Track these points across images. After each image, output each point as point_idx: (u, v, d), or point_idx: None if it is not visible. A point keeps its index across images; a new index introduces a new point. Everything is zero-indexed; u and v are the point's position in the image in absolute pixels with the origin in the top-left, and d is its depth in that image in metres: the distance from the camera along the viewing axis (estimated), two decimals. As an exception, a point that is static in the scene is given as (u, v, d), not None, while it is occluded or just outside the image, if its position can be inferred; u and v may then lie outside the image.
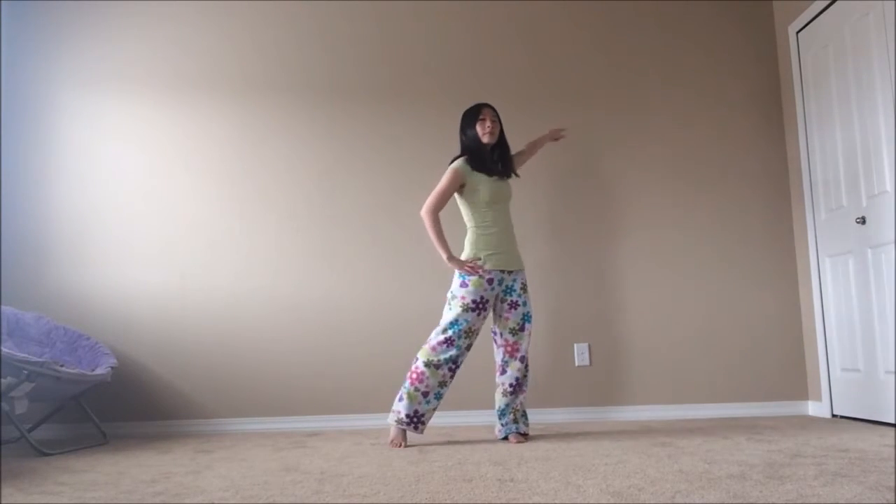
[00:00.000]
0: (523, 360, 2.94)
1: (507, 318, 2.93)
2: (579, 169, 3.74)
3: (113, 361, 3.35)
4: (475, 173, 2.91)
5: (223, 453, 2.80)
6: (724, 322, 3.65)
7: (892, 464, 2.12)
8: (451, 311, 2.87)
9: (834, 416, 3.41)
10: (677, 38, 3.83)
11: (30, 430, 3.08)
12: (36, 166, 3.75)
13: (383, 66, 3.82)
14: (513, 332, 2.92)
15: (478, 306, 2.85)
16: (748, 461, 2.22)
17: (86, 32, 3.83)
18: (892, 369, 2.98)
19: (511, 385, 2.93)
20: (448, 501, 1.79)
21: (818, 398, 3.52)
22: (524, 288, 2.97)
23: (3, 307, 3.40)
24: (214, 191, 3.74)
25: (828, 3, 3.34)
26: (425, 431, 2.95)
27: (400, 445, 2.81)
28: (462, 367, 3.38)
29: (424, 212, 2.90)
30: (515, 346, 2.92)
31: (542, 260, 3.68)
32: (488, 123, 2.95)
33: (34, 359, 2.82)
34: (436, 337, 2.85)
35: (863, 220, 3.14)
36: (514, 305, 2.92)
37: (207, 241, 3.71)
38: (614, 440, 2.81)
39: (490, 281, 2.87)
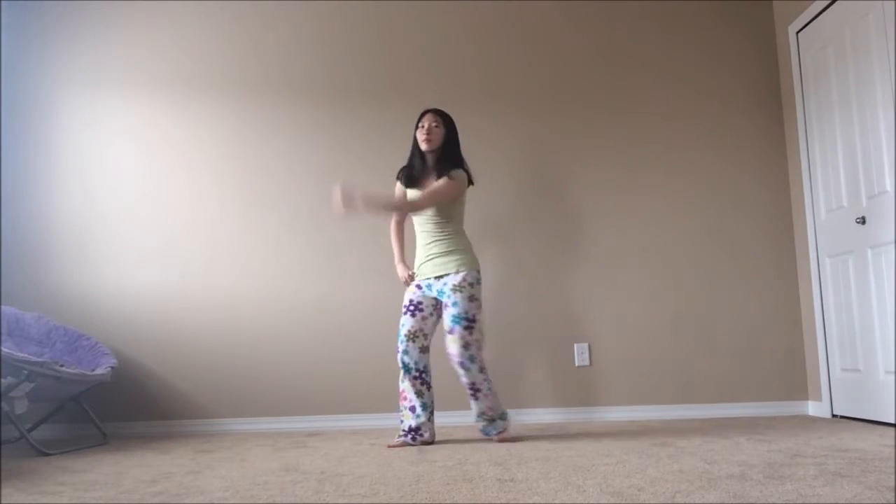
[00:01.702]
0: (463, 365, 2.82)
1: (444, 321, 2.92)
2: (578, 169, 3.74)
3: (113, 361, 3.35)
4: (405, 188, 3.04)
5: (223, 453, 2.80)
6: (723, 322, 3.65)
7: (892, 464, 2.12)
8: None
9: (834, 416, 3.41)
10: (677, 38, 3.83)
11: (30, 430, 3.08)
12: (36, 166, 3.75)
13: (383, 67, 3.82)
14: (446, 334, 2.87)
15: (408, 309, 2.95)
16: (748, 461, 2.22)
17: (86, 32, 3.83)
18: (892, 369, 2.98)
19: (468, 389, 2.89)
20: (448, 501, 1.79)
21: (818, 398, 3.52)
22: (457, 288, 2.85)
23: (3, 307, 3.40)
24: (214, 191, 3.74)
25: (828, 3, 3.34)
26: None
27: (392, 447, 2.84)
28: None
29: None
30: (448, 350, 2.86)
31: (541, 260, 3.68)
32: (425, 130, 2.96)
33: (34, 359, 2.83)
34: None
35: (863, 220, 3.14)
36: (445, 307, 2.90)
37: (207, 241, 3.71)
38: (614, 440, 2.81)
39: (418, 286, 2.97)
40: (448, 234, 2.95)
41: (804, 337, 3.64)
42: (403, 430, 2.90)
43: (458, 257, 2.91)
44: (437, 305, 2.97)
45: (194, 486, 2.10)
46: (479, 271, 2.95)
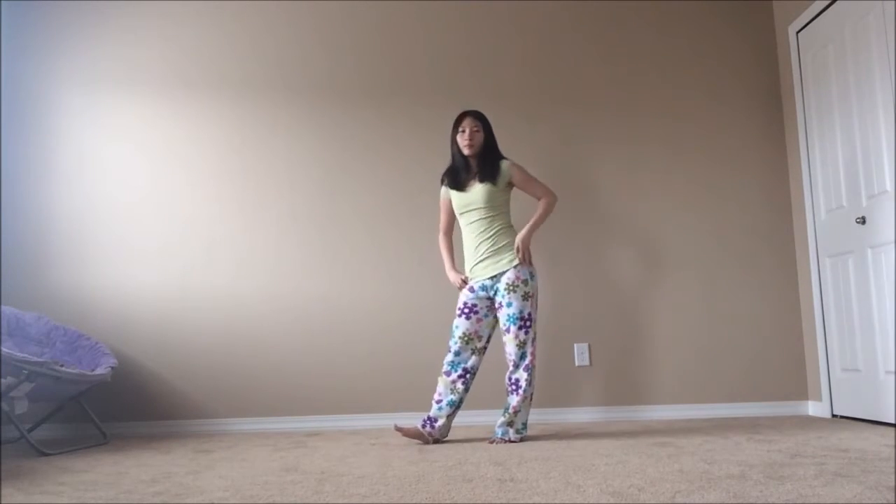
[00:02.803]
0: (515, 364, 2.90)
1: (498, 320, 2.96)
2: (579, 168, 3.74)
3: (113, 361, 3.35)
4: (450, 190, 3.07)
5: (223, 453, 2.80)
6: (724, 322, 3.65)
7: (892, 464, 2.12)
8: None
9: (834, 416, 3.41)
10: (677, 38, 3.83)
11: (30, 430, 3.08)
12: (36, 166, 3.75)
13: (383, 67, 3.82)
14: (503, 333, 2.94)
15: (463, 312, 2.95)
16: (748, 461, 2.22)
17: (86, 32, 3.83)
18: (892, 369, 2.98)
19: (509, 384, 2.94)
20: (448, 501, 1.79)
21: (818, 398, 3.52)
22: (510, 287, 2.90)
23: (3, 307, 3.40)
24: (214, 191, 3.74)
25: (828, 3, 3.34)
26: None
27: (401, 431, 2.91)
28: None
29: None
30: (505, 349, 2.93)
31: (541, 260, 3.68)
32: (467, 135, 2.99)
33: (34, 359, 2.82)
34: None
35: (863, 220, 3.14)
36: (500, 307, 2.93)
37: (207, 241, 3.71)
38: (614, 440, 2.81)
39: (472, 289, 2.98)
40: (497, 230, 2.98)
41: (804, 337, 3.64)
42: (425, 418, 2.95)
43: (509, 254, 2.95)
44: (493, 306, 2.98)
45: (194, 486, 2.10)
46: (531, 264, 2.99)
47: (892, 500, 1.65)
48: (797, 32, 3.62)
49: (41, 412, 3.40)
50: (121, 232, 3.71)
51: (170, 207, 3.73)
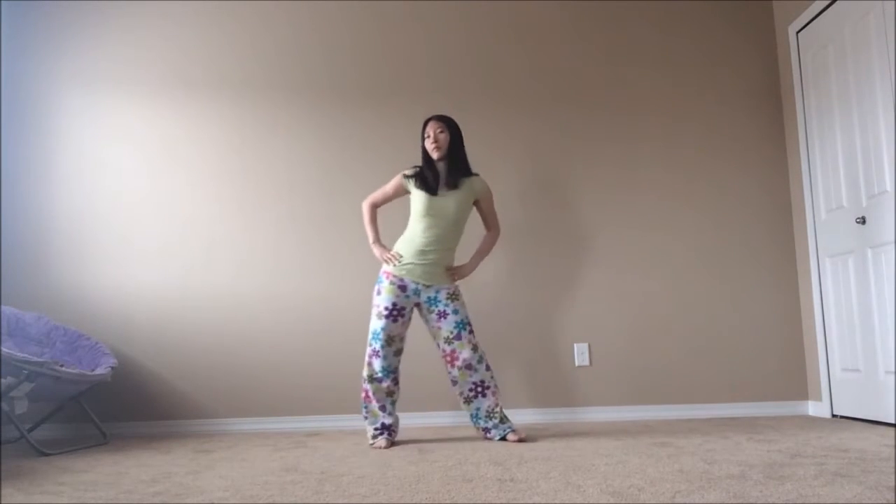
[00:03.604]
0: (470, 367, 2.90)
1: (438, 328, 2.95)
2: (578, 168, 3.74)
3: (113, 361, 3.35)
4: (418, 191, 3.02)
5: (223, 453, 2.80)
6: (723, 322, 3.65)
7: (892, 464, 2.12)
8: (371, 322, 2.96)
9: (834, 416, 3.41)
10: (677, 38, 3.83)
11: (30, 430, 3.08)
12: (36, 166, 3.75)
13: (382, 67, 3.82)
14: (448, 341, 2.93)
15: (391, 313, 2.91)
16: (748, 461, 2.22)
17: (86, 32, 3.83)
18: (892, 369, 2.98)
19: (470, 390, 2.93)
20: (448, 501, 1.79)
21: (818, 398, 3.52)
22: (452, 297, 2.95)
23: (3, 307, 3.40)
24: (214, 191, 3.75)
25: (828, 3, 3.34)
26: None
27: (380, 448, 2.84)
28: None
29: (364, 201, 3.18)
30: (454, 355, 2.92)
31: (541, 260, 3.68)
32: (432, 138, 2.99)
33: (34, 359, 2.82)
34: (367, 350, 2.95)
35: (863, 220, 3.14)
36: (442, 315, 2.93)
37: (207, 241, 3.71)
38: (614, 440, 2.81)
39: (403, 288, 2.93)
40: (451, 246, 3.01)
41: (804, 337, 3.64)
42: (377, 429, 2.92)
43: (448, 272, 3.02)
44: (413, 311, 3.00)
45: (194, 486, 2.10)
46: None
47: (892, 500, 1.65)
48: (797, 32, 3.62)
49: (41, 412, 3.40)
50: (121, 232, 3.71)
51: (170, 207, 3.73)
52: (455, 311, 2.92)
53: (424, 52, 3.82)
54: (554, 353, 3.63)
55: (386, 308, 2.91)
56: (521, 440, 2.85)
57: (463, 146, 3.07)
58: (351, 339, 3.63)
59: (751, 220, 3.71)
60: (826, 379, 3.45)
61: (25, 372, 2.80)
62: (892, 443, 2.53)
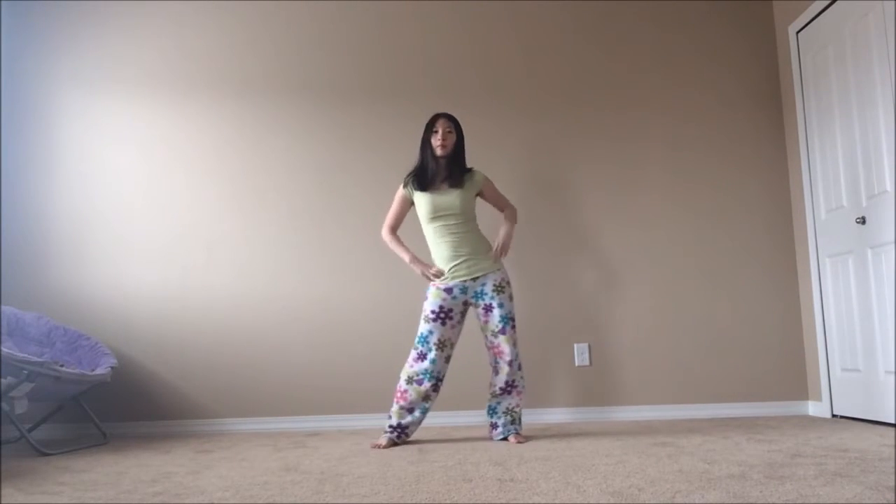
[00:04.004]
0: (511, 363, 2.92)
1: (486, 322, 2.95)
2: (578, 168, 3.74)
3: (113, 361, 3.35)
4: (416, 192, 3.00)
5: (223, 453, 2.80)
6: (724, 322, 3.65)
7: (892, 464, 2.12)
8: (420, 326, 2.94)
9: (834, 416, 3.41)
10: (677, 38, 3.83)
11: (30, 430, 3.08)
12: (36, 166, 3.75)
13: (382, 67, 3.82)
14: (494, 334, 2.93)
15: (438, 316, 2.89)
16: (748, 461, 2.22)
17: (86, 32, 3.83)
18: (892, 369, 2.98)
19: (502, 387, 2.95)
20: (448, 501, 1.79)
21: (818, 398, 3.52)
22: (498, 289, 2.93)
23: (3, 307, 3.40)
24: (214, 191, 3.75)
25: (828, 3, 3.34)
26: (414, 435, 3.03)
27: (378, 447, 2.83)
28: (462, 367, 3.39)
29: (382, 233, 3.13)
30: (500, 349, 2.93)
31: (541, 259, 3.68)
32: (440, 136, 2.97)
33: (34, 359, 2.82)
34: (411, 353, 2.93)
35: (863, 220, 3.14)
36: (488, 309, 2.92)
37: (207, 241, 3.71)
38: (614, 440, 2.81)
39: (448, 290, 2.92)
40: (474, 234, 3.00)
41: (804, 337, 3.64)
42: (391, 427, 2.91)
43: (490, 257, 2.99)
44: (465, 311, 2.98)
45: (194, 486, 2.10)
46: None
47: (892, 500, 1.65)
48: (797, 32, 3.62)
49: (41, 412, 3.40)
50: (121, 232, 3.71)
51: (170, 207, 3.73)
52: (500, 305, 2.91)
53: (424, 52, 3.82)
54: (554, 353, 3.63)
55: (433, 311, 2.90)
56: (520, 442, 2.85)
57: (464, 148, 3.08)
58: (351, 338, 3.63)
59: (751, 220, 3.71)
60: (826, 379, 3.45)
61: (25, 372, 2.80)
62: (892, 443, 2.53)
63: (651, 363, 3.63)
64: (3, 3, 3.81)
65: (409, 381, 2.89)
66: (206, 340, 3.64)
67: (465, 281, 2.92)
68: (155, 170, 3.76)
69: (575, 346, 3.63)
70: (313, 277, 3.68)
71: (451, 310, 2.91)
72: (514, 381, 2.94)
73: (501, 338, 2.91)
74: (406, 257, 3.05)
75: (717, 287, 3.67)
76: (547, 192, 3.73)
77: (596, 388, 3.61)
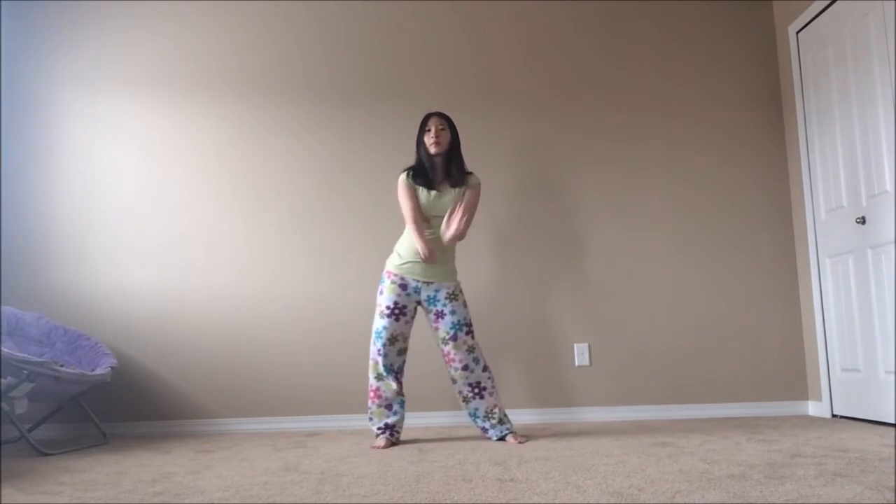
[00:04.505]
0: (466, 368, 2.90)
1: (436, 328, 2.95)
2: (578, 168, 3.74)
3: (113, 361, 3.35)
4: (418, 188, 2.98)
5: (223, 453, 2.80)
6: (724, 322, 3.65)
7: (892, 464, 2.12)
8: (374, 322, 2.96)
9: (834, 416, 3.41)
10: (677, 38, 3.83)
11: (30, 430, 3.08)
12: (36, 166, 3.75)
13: (382, 67, 3.82)
14: (444, 341, 2.93)
15: (392, 312, 2.91)
16: (748, 461, 2.22)
17: (86, 32, 3.83)
18: (892, 369, 2.98)
19: (468, 391, 2.93)
20: (448, 501, 1.79)
21: (818, 398, 3.52)
22: (451, 297, 2.93)
23: (3, 307, 3.40)
24: (214, 191, 3.74)
25: (828, 3, 3.34)
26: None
27: (379, 448, 2.83)
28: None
29: (410, 231, 2.95)
30: (451, 357, 2.92)
31: (540, 260, 3.68)
32: (433, 133, 2.96)
33: (34, 359, 2.82)
34: (371, 349, 2.96)
35: (863, 220, 3.14)
36: (440, 315, 2.93)
37: (207, 241, 3.71)
38: (614, 440, 2.81)
39: (404, 286, 2.92)
40: (451, 244, 2.99)
41: (804, 337, 3.64)
42: (380, 428, 2.92)
43: (453, 268, 3.02)
44: (416, 309, 3.00)
45: (194, 486, 2.10)
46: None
47: (892, 501, 1.65)
48: (797, 32, 3.62)
49: (41, 412, 3.40)
50: (121, 232, 3.71)
51: (170, 207, 3.73)
52: (453, 312, 2.92)
53: (424, 52, 3.82)
54: (554, 353, 3.63)
55: (388, 307, 2.91)
56: (520, 442, 2.84)
57: (460, 146, 3.06)
58: (351, 338, 3.63)
59: (751, 220, 3.71)
60: (826, 379, 3.45)
61: (25, 372, 2.80)
62: (892, 443, 2.53)
63: (651, 363, 3.63)
64: (3, 3, 3.81)
65: (379, 377, 2.94)
66: (206, 340, 3.64)
67: (419, 281, 2.93)
68: (155, 170, 3.76)
69: (575, 346, 3.63)
70: (313, 277, 3.68)
71: (405, 306, 2.93)
72: (478, 382, 2.93)
73: (451, 344, 2.91)
74: (422, 245, 2.90)
75: (717, 287, 3.67)
76: (546, 192, 3.73)
77: (596, 388, 3.61)
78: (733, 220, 3.71)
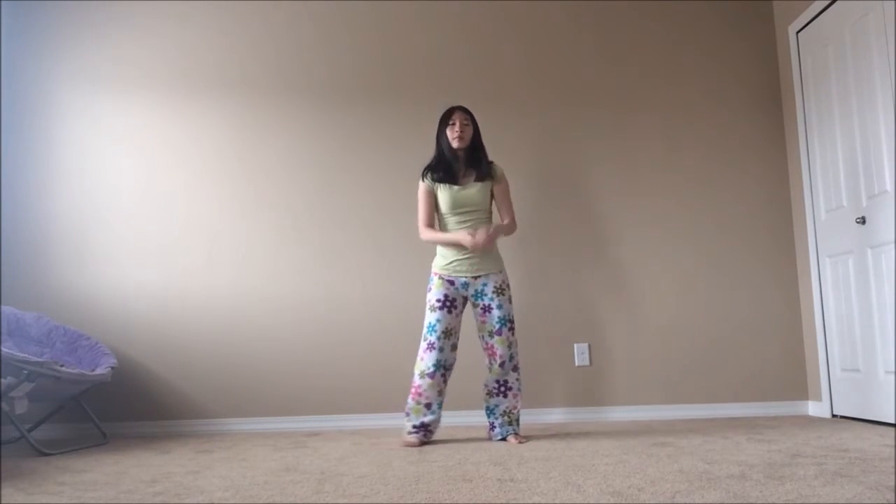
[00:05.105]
0: (504, 365, 2.93)
1: (483, 322, 2.96)
2: (578, 167, 3.74)
3: (113, 361, 3.35)
4: (436, 184, 3.00)
5: (223, 453, 2.80)
6: (724, 322, 3.65)
7: (892, 464, 2.12)
8: (426, 317, 2.96)
9: (834, 416, 3.41)
10: (677, 38, 3.83)
11: (30, 430, 3.08)
12: (36, 166, 3.75)
13: (382, 67, 3.82)
14: (490, 335, 2.95)
15: (444, 304, 2.92)
16: (748, 461, 2.22)
17: (86, 32, 3.83)
18: (892, 369, 2.98)
19: (494, 387, 2.96)
20: (448, 501, 1.79)
21: (818, 398, 3.52)
22: (499, 290, 2.95)
23: (3, 307, 3.40)
24: (213, 191, 3.75)
25: (828, 3, 3.34)
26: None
27: (412, 445, 2.84)
28: (462, 367, 3.39)
29: (420, 235, 3.05)
30: (494, 350, 2.94)
31: (541, 260, 3.68)
32: (457, 128, 2.97)
33: (34, 359, 2.82)
34: (421, 345, 2.94)
35: (863, 220, 3.14)
36: (486, 309, 2.94)
37: (207, 241, 3.71)
38: (614, 440, 2.81)
39: (451, 282, 2.95)
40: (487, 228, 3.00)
41: (804, 337, 3.64)
42: (415, 426, 2.89)
43: (497, 256, 3.01)
44: (465, 304, 3.00)
45: (194, 486, 2.10)
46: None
47: (892, 501, 1.65)
48: (797, 32, 3.62)
49: (41, 412, 3.40)
50: (121, 232, 3.71)
51: (170, 207, 3.73)
52: (500, 307, 2.93)
53: (424, 52, 3.82)
54: (554, 353, 3.63)
55: (438, 300, 2.92)
56: (520, 443, 2.84)
57: (482, 140, 3.09)
58: (351, 339, 3.63)
59: (751, 220, 3.71)
60: (826, 379, 3.45)
61: (25, 372, 2.80)
62: (892, 443, 2.53)
63: (651, 363, 3.63)
64: (3, 3, 3.81)
65: (422, 375, 2.90)
66: (206, 340, 3.64)
67: (466, 277, 2.94)
68: (155, 170, 3.76)
69: (575, 346, 3.63)
70: (313, 277, 3.68)
71: (454, 299, 2.94)
72: (506, 381, 2.95)
73: (497, 339, 2.93)
74: (450, 239, 2.93)
75: (716, 287, 3.67)
76: (546, 192, 3.73)
77: (596, 388, 3.61)
78: (733, 219, 3.71)
